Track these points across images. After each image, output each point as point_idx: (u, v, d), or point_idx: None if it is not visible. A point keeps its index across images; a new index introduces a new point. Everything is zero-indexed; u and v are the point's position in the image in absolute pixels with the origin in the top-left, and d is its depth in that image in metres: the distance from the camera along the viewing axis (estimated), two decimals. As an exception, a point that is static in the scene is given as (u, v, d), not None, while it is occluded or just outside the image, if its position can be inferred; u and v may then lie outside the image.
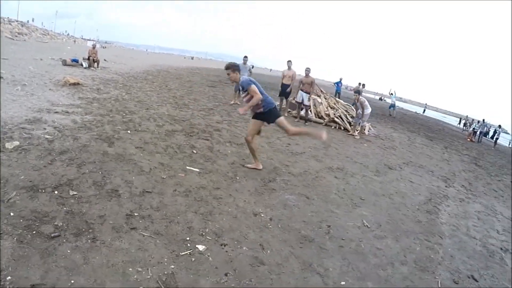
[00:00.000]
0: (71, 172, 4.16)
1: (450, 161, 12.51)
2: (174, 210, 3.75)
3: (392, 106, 26.51)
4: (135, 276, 2.60)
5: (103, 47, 56.75)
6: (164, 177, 4.59)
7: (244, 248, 3.31)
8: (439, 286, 3.80)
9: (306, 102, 12.32)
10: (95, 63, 17.64)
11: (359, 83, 26.16)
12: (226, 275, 2.84)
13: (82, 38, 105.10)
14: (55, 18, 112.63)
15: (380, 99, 61.10)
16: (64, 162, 4.42)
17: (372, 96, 72.45)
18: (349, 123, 13.00)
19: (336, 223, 4.40)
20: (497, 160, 17.70)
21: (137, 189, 4.05)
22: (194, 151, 5.98)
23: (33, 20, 75.47)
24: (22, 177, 3.79)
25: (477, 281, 4.15)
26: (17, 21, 51.40)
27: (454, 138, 23.22)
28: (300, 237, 3.77)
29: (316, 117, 13.15)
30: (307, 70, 11.96)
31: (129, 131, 6.38)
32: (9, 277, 2.35)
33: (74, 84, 10.46)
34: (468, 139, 25.75)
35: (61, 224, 3.07)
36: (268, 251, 3.34)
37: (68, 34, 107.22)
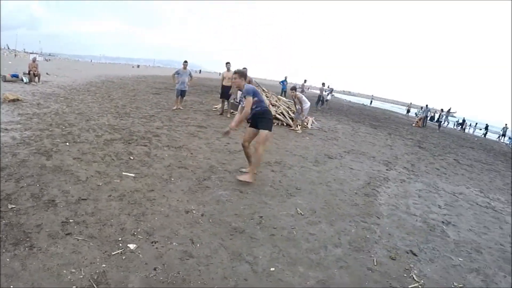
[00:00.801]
0: (10, 187, 4.30)
1: (393, 146, 13.05)
2: (108, 214, 3.91)
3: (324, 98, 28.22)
4: (69, 277, 2.78)
5: (47, 60, 54.29)
6: (100, 184, 4.74)
7: (174, 243, 3.48)
8: (375, 264, 3.91)
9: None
10: (36, 78, 17.53)
11: (323, 83, 27.15)
12: (155, 269, 3.03)
13: (24, 52, 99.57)
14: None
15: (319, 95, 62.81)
16: (2, 178, 4.53)
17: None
18: (292, 118, 13.23)
19: (269, 214, 4.54)
20: (440, 141, 18.78)
21: (73, 198, 4.21)
22: (131, 157, 6.11)
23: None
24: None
25: (416, 255, 4.30)
26: None
27: (399, 125, 24.38)
28: (230, 229, 3.93)
29: None
30: (244, 70, 11.75)
31: (67, 144, 6.49)
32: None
33: (13, 100, 10.50)
34: (416, 125, 26.94)
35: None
36: (198, 245, 3.51)
37: (8, 48, 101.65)
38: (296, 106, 12.45)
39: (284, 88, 27.97)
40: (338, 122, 17.50)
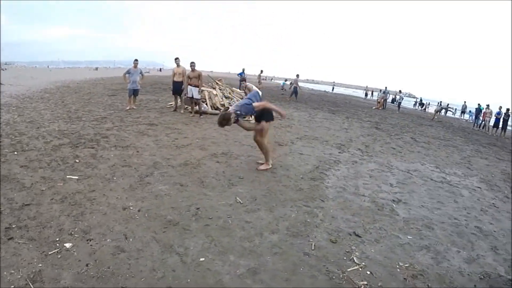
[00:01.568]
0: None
1: (349, 129, 13.07)
2: (48, 217, 3.96)
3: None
4: (8, 278, 2.87)
5: (3, 69, 52.04)
6: (44, 189, 4.75)
7: (108, 240, 3.55)
8: (313, 248, 3.77)
9: (196, 96, 12.39)
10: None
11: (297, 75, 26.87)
12: (87, 265, 3.11)
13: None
14: None
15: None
16: None
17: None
18: None
19: (206, 205, 4.55)
20: (399, 121, 19.13)
21: (17, 204, 4.23)
22: (77, 161, 6.07)
23: None
24: None
25: (360, 236, 4.17)
26: None
27: (359, 109, 24.69)
28: (165, 222, 3.98)
29: (212, 109, 13.75)
30: (192, 65, 12.09)
31: (16, 153, 6.37)
32: None
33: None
34: (377, 107, 27.51)
35: None
36: (131, 239, 3.57)
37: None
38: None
39: (242, 80, 27.96)
40: (296, 109, 17.45)
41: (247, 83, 12.01)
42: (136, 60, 13.24)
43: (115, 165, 5.90)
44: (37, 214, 4.00)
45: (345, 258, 3.65)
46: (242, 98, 13.44)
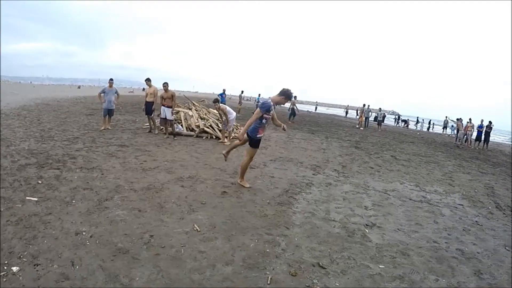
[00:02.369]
0: None
1: (327, 149, 12.87)
2: (1, 239, 3.81)
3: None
4: None
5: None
6: (2, 210, 4.60)
7: (55, 266, 3.41)
8: (268, 282, 3.43)
9: (169, 117, 12.23)
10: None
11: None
12: None
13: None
14: None
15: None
16: None
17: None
18: (221, 130, 12.94)
19: (162, 232, 4.33)
20: (380, 139, 19.04)
21: None
22: (40, 182, 5.89)
23: None
24: None
25: (324, 268, 3.82)
26: None
27: (340, 128, 24.69)
28: (115, 250, 3.78)
29: (187, 130, 13.59)
30: (165, 85, 12.17)
31: None
32: None
33: None
34: (360, 122, 28.25)
35: None
36: (77, 267, 3.41)
37: None
38: (223, 118, 12.30)
39: (223, 101, 27.82)
40: (274, 130, 17.20)
41: (220, 104, 12.08)
42: (111, 79, 13.05)
43: (76, 188, 5.70)
44: (-10, 237, 3.78)
45: (304, 293, 3.24)
46: (218, 120, 13.30)
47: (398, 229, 5.23)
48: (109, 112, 12.82)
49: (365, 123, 29.39)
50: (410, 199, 6.90)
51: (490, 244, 5.09)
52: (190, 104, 15.87)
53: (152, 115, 12.93)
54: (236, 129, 14.11)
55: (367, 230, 5.04)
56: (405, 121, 43.81)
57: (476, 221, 6.05)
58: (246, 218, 5.01)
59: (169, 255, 3.78)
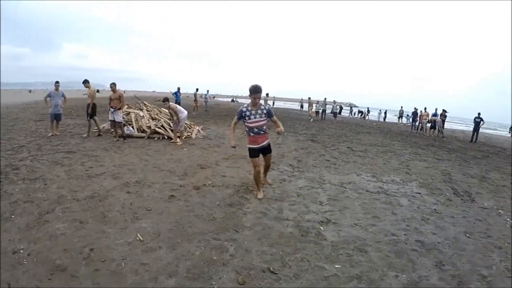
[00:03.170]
0: None
1: (283, 144, 12.82)
2: None
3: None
4: None
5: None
6: None
7: None
8: None
9: (117, 119, 11.88)
10: None
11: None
12: None
13: None
14: None
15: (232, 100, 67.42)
16: None
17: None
18: (173, 130, 12.68)
19: (103, 244, 4.11)
20: (337, 131, 19.23)
21: None
22: None
23: None
24: None
25: (275, 273, 3.59)
26: None
27: (297, 122, 24.74)
28: (52, 268, 3.57)
29: (138, 132, 13.24)
30: (112, 86, 11.87)
31: None
32: None
33: None
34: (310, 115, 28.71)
35: None
36: None
37: None
38: (173, 117, 12.06)
39: (177, 99, 27.46)
40: (229, 127, 16.87)
41: (170, 103, 11.81)
42: (57, 82, 12.61)
43: (17, 201, 5.41)
44: None
45: (253, 304, 3.02)
46: (170, 119, 12.96)
47: (355, 224, 5.09)
48: (56, 117, 12.36)
49: (322, 116, 29.77)
50: (367, 191, 6.81)
51: (450, 232, 5.04)
52: (141, 104, 15.55)
53: (90, 117, 12.60)
54: (189, 128, 13.92)
55: (322, 228, 4.86)
56: (362, 112, 44.63)
57: (435, 209, 6.01)
58: (193, 223, 4.76)
59: (109, 269, 3.57)
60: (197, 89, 30.41)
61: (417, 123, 26.59)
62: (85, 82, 12.51)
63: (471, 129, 22.55)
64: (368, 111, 48.33)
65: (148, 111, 14.76)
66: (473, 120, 22.08)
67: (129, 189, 6.21)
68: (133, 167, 7.86)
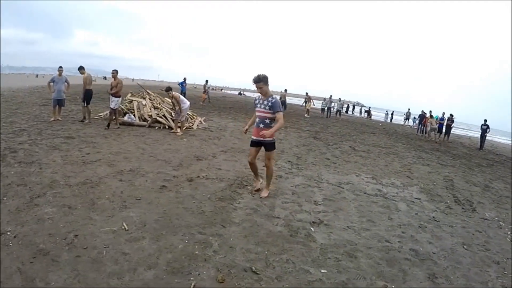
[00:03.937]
0: None
1: (284, 139, 12.65)
2: None
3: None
4: None
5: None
6: None
7: None
8: None
9: (112, 106, 11.92)
10: None
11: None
12: None
13: None
14: None
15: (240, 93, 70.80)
16: None
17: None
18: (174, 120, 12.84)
19: (87, 231, 4.08)
20: (341, 130, 19.14)
21: None
22: None
23: None
24: None
25: (257, 273, 3.47)
26: None
27: (301, 118, 24.66)
28: (35, 252, 3.56)
29: (140, 120, 13.27)
30: (114, 73, 12.00)
31: None
32: None
33: None
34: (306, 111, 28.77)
35: None
36: None
37: None
38: (176, 107, 12.07)
39: (183, 90, 27.48)
40: (233, 120, 17.02)
41: (174, 93, 11.76)
42: (60, 67, 12.65)
43: (10, 184, 5.40)
44: None
45: (230, 305, 2.92)
46: (172, 109, 12.91)
47: (348, 226, 4.95)
48: (59, 102, 12.37)
49: (327, 113, 30.02)
50: (365, 193, 6.69)
51: (447, 242, 4.88)
52: (144, 93, 15.49)
53: (86, 103, 12.59)
54: (191, 119, 13.90)
55: (312, 229, 4.73)
56: (368, 112, 44.38)
57: (433, 217, 5.87)
58: (181, 216, 4.68)
59: (90, 257, 3.54)
60: (206, 81, 30.27)
61: (424, 127, 26.48)
62: (80, 68, 12.57)
63: (477, 135, 22.34)
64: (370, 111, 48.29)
65: (151, 100, 14.77)
66: (480, 127, 21.88)
67: (122, 177, 6.17)
68: (130, 155, 7.82)
